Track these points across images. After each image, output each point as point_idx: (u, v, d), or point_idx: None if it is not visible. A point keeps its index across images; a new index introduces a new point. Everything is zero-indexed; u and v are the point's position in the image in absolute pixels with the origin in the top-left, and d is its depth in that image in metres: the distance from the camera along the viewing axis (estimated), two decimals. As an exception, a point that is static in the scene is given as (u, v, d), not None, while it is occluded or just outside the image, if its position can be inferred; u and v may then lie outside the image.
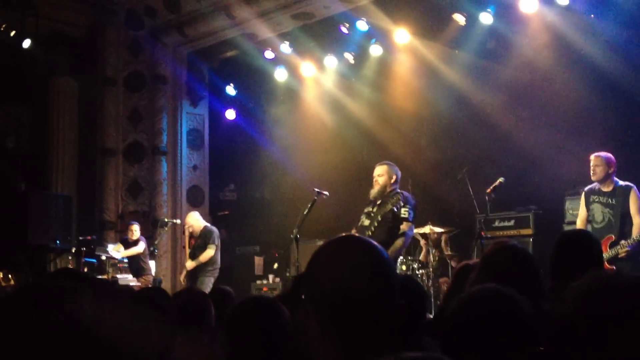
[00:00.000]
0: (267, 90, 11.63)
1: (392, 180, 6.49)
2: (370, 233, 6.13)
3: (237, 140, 11.95)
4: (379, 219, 6.24)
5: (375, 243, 1.55)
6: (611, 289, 1.29)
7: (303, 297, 1.53)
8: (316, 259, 1.49)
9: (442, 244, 8.66)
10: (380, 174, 6.47)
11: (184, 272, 9.25)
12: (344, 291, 1.41)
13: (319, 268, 1.47)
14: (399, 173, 6.60)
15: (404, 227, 6.31)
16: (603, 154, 6.49)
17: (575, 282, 1.34)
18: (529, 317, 1.70)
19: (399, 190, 6.52)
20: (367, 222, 6.37)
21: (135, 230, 9.77)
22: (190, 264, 9.05)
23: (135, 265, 9.72)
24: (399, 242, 6.29)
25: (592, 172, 6.49)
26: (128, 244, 9.78)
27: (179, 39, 11.27)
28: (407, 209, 6.32)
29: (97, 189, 11.25)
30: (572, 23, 8.28)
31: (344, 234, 1.58)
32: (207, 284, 8.70)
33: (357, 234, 1.62)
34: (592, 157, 6.52)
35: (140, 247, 9.67)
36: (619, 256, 6.13)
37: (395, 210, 6.24)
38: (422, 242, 8.47)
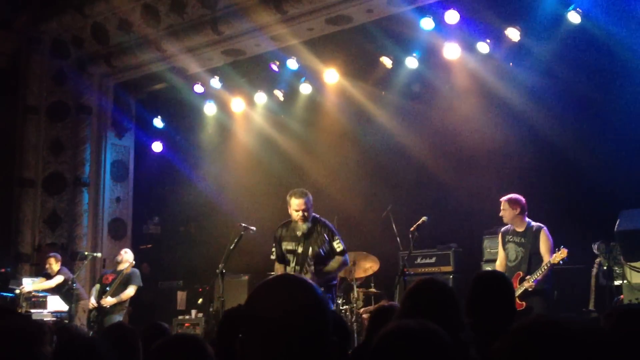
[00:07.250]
0: (196, 124, 11.59)
1: (312, 210, 6.39)
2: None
3: (164, 173, 11.82)
4: (310, 262, 6.20)
5: (311, 282, 1.63)
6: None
7: (240, 335, 1.57)
8: (255, 297, 1.55)
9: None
10: (304, 208, 6.23)
11: (93, 307, 8.81)
12: (282, 328, 1.47)
13: (258, 306, 1.53)
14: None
15: (339, 257, 6.31)
16: (508, 198, 6.72)
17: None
18: (449, 348, 1.81)
19: (317, 217, 6.40)
20: (298, 267, 6.24)
21: (52, 263, 9.42)
22: (110, 300, 8.79)
23: (67, 293, 9.18)
24: (334, 265, 6.28)
25: (501, 215, 6.77)
26: (50, 277, 9.41)
27: (106, 70, 11.11)
28: (338, 241, 6.31)
29: (13, 220, 10.83)
30: (492, 70, 8.72)
31: (281, 273, 1.64)
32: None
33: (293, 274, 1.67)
34: (501, 200, 6.78)
35: (54, 281, 9.26)
36: (529, 290, 6.43)
37: (324, 251, 6.25)
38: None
